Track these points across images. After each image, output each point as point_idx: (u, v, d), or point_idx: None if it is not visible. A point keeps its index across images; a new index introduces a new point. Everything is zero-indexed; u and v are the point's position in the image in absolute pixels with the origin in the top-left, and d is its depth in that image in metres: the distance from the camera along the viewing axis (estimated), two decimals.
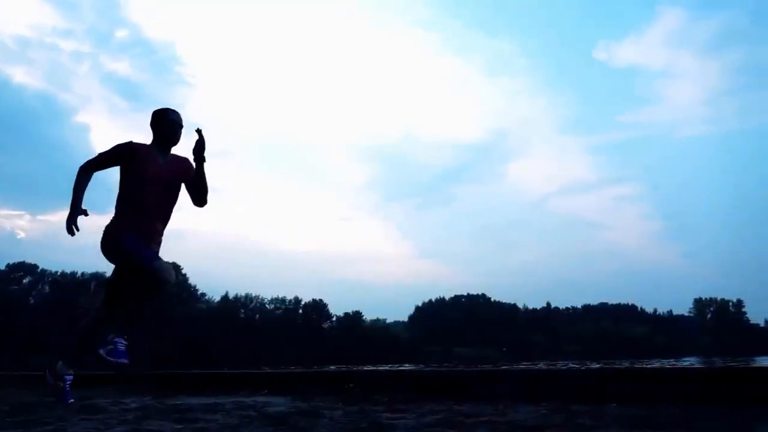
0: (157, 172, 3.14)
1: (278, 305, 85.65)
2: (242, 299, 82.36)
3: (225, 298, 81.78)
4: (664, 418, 2.14)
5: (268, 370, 4.49)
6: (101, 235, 3.08)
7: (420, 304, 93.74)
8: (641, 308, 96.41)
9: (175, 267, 64.01)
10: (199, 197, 3.27)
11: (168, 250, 3.22)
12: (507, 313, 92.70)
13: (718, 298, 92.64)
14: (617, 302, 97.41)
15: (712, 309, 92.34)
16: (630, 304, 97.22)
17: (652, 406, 2.46)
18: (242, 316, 79.99)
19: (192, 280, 67.22)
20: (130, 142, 3.18)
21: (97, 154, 3.15)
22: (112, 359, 2.92)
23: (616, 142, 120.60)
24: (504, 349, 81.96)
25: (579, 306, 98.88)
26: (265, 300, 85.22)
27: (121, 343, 3.00)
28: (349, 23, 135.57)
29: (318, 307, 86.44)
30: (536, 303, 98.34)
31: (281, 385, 3.82)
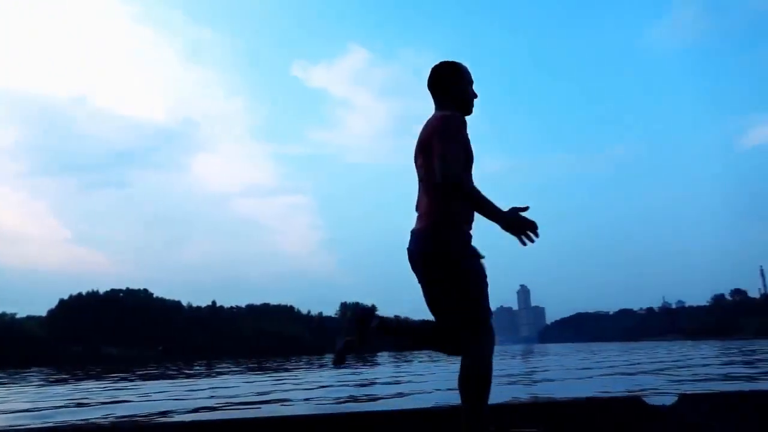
0: None
1: None
2: None
3: None
4: None
5: None
6: (431, 233, 2.10)
7: (66, 298, 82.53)
8: (297, 309, 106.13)
9: None
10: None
11: None
12: (170, 310, 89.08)
13: (359, 303, 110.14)
14: (278, 303, 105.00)
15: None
16: (289, 305, 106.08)
17: None
18: None
19: None
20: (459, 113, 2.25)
21: (452, 146, 2.04)
22: None
23: (299, 155, 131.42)
24: (160, 348, 78.25)
25: (243, 305, 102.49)
26: None
27: None
28: None
29: None
30: (202, 301, 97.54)
31: None
